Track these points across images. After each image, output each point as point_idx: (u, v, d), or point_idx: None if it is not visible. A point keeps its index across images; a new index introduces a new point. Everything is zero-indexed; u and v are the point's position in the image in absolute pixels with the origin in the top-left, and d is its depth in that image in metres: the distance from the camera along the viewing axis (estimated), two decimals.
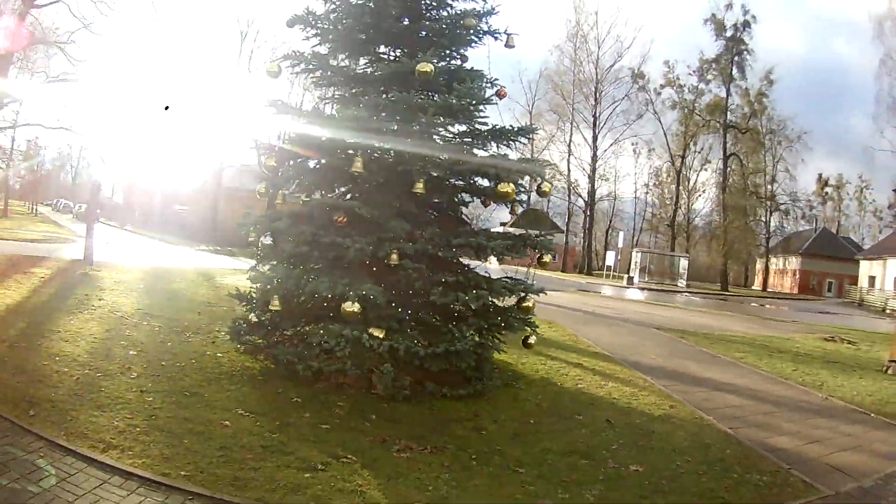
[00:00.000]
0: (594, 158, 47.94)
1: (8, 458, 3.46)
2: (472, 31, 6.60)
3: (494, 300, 6.26)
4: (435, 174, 6.15)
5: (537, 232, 6.80)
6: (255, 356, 6.45)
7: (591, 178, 48.33)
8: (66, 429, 3.94)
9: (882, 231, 63.72)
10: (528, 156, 6.13)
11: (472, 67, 6.92)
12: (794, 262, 52.35)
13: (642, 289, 33.98)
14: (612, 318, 15.24)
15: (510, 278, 6.56)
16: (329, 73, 6.73)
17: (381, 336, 5.49)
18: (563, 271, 45.50)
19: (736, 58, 44.16)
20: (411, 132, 5.94)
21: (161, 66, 36.68)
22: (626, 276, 39.55)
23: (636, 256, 41.66)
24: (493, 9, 6.62)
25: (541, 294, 6.58)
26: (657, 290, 33.60)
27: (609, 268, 43.38)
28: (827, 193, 68.53)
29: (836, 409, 7.09)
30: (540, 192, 6.75)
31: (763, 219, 47.33)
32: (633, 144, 51.66)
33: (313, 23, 6.76)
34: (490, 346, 6.48)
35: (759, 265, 55.06)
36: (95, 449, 3.72)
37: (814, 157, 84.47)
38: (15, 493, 3.12)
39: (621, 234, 49.62)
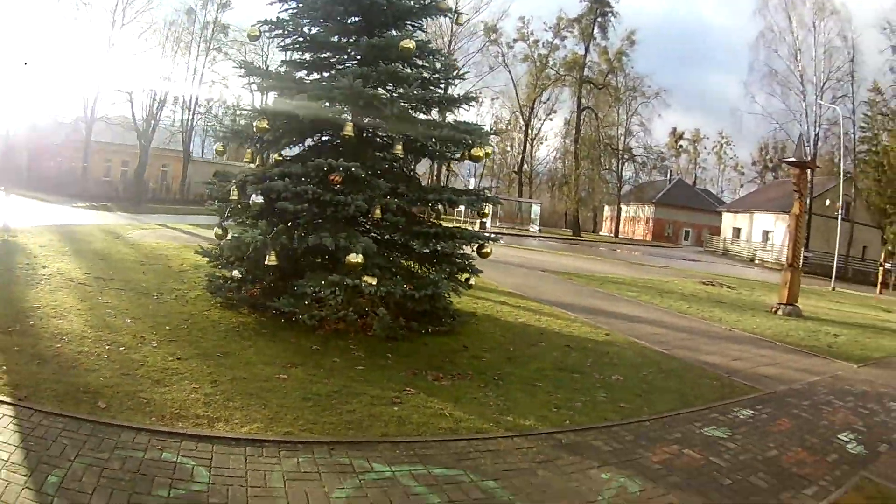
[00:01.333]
0: None
1: (136, 462, 3.20)
2: (431, 10, 7.32)
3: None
4: (412, 138, 6.88)
5: (488, 188, 7.87)
6: (238, 310, 6.86)
7: None
8: (152, 412, 3.87)
9: (743, 185, 73.81)
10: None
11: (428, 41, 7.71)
12: (647, 211, 57.84)
13: (497, 233, 36.66)
14: (494, 261, 17.06)
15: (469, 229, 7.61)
16: (306, 41, 7.07)
17: (374, 283, 6.21)
18: None
19: (599, 18, 47.27)
20: (393, 100, 6.61)
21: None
22: (477, 221, 42.16)
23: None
24: None
25: (496, 242, 7.67)
26: (512, 234, 35.58)
27: (460, 213, 46.02)
28: (681, 147, 77.23)
29: (743, 338, 9.07)
30: (472, 157, 7.61)
31: (615, 169, 52.48)
32: (484, 96, 53.76)
33: None
34: (456, 288, 7.46)
35: (608, 212, 60.41)
36: (201, 426, 3.75)
37: (671, 112, 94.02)
38: (191, 499, 2.96)
39: (472, 180, 52.68)
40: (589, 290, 12.89)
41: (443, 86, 7.19)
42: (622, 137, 51.22)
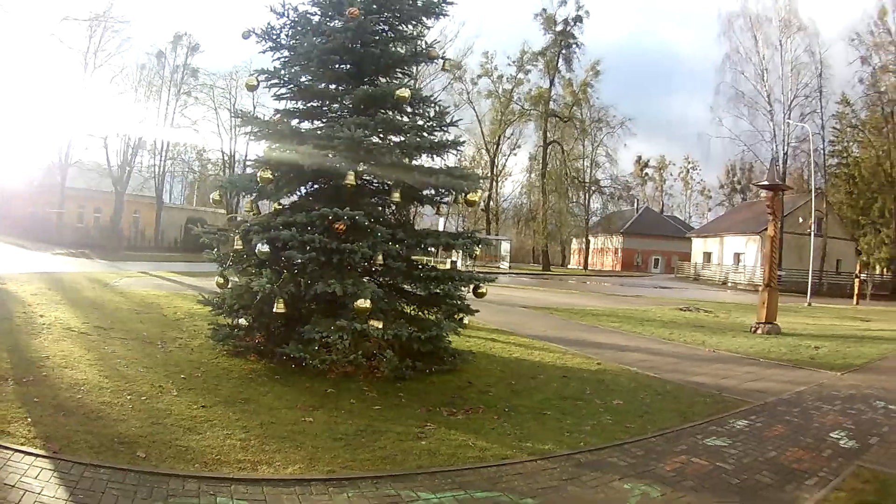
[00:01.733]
0: None
1: None
2: (422, 57, 7.92)
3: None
4: (409, 184, 7.36)
5: (476, 231, 8.39)
6: (244, 357, 7.10)
7: None
8: (193, 459, 4.04)
9: (711, 209, 76.26)
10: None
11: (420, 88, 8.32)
12: (615, 241, 59.44)
13: (469, 272, 37.30)
14: (471, 298, 17.54)
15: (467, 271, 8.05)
16: (300, 90, 7.56)
17: (380, 327, 6.55)
18: None
19: (563, 51, 48.86)
20: (391, 148, 7.10)
21: None
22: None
23: None
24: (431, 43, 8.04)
25: (492, 282, 8.14)
26: (484, 272, 36.76)
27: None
28: (647, 174, 79.93)
29: (727, 358, 9.63)
30: (468, 202, 8.09)
31: (582, 201, 53.84)
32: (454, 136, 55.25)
33: (272, 37, 7.59)
34: (455, 328, 7.82)
35: (576, 245, 61.64)
36: (245, 469, 3.95)
37: (636, 141, 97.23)
38: None
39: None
40: (572, 323, 13.40)
41: (437, 132, 7.68)
42: (589, 169, 52.82)
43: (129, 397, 5.25)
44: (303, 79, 7.58)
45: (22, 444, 3.93)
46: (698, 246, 48.06)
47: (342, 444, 4.54)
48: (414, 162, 7.74)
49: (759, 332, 12.71)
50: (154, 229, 37.47)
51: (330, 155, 6.75)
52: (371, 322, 6.48)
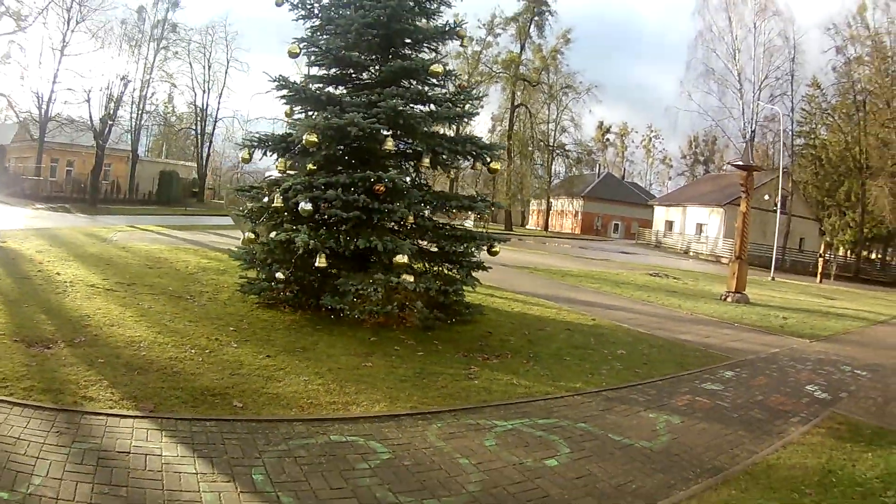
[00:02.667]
0: None
1: (318, 448, 3.77)
2: (450, 34, 8.57)
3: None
4: (438, 151, 8.15)
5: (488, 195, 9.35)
6: (278, 309, 7.87)
7: None
8: (289, 405, 4.53)
9: (672, 178, 79.10)
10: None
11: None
12: (576, 204, 61.13)
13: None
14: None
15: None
16: (335, 58, 8.16)
17: (412, 280, 7.45)
18: None
19: (536, 17, 50.31)
20: (424, 118, 7.83)
21: None
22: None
23: None
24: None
25: (504, 242, 9.15)
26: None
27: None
28: (608, 140, 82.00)
29: (705, 321, 11.02)
30: (491, 170, 8.95)
31: (546, 164, 55.99)
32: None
33: (306, 6, 8.23)
34: (473, 283, 8.77)
35: (534, 206, 63.79)
36: (339, 410, 4.51)
37: (601, 107, 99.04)
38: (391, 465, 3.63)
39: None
40: (555, 282, 14.66)
41: (461, 104, 8.45)
42: (554, 133, 54.66)
43: (192, 351, 5.64)
44: (339, 47, 8.12)
45: (112, 408, 4.08)
46: (660, 214, 50.11)
47: (409, 384, 5.38)
48: (442, 131, 8.55)
49: (728, 300, 14.26)
50: (128, 182, 38.13)
51: (372, 121, 7.40)
52: (404, 276, 7.38)
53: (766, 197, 33.09)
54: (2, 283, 7.84)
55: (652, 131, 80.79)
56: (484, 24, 50.45)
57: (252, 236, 8.42)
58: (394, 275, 7.29)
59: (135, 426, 3.83)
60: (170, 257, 11.38)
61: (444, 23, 8.54)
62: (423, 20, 8.67)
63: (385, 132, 7.66)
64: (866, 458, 4.34)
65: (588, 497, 3.50)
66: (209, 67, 46.30)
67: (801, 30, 43.58)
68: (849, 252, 39.82)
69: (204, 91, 46.91)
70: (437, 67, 7.86)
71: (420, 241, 8.32)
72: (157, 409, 4.15)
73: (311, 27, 8.59)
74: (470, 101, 8.52)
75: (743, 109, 39.92)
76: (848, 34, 38.48)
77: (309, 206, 7.36)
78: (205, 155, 49.23)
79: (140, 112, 39.82)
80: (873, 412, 5.85)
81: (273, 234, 7.72)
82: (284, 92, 8.25)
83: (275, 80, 8.10)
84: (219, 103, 51.38)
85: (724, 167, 55.68)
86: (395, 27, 8.14)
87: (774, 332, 10.39)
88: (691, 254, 40.99)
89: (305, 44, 8.13)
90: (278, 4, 8.36)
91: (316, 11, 8.44)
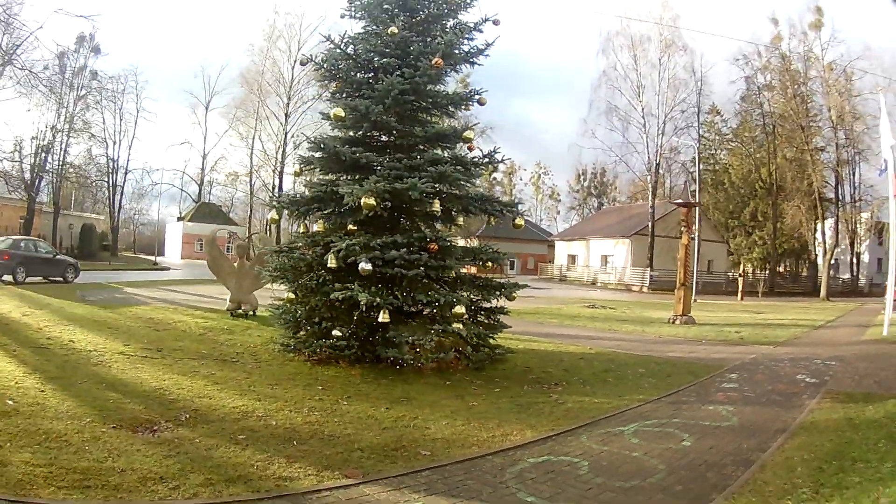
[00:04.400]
0: (283, 154, 53.52)
1: (534, 471, 5.51)
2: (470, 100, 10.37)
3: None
4: (471, 210, 9.86)
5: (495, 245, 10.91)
6: (333, 364, 8.91)
7: (280, 173, 52.90)
8: (468, 446, 5.47)
9: (560, 213, 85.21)
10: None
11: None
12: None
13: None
14: None
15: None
16: (363, 123, 9.62)
17: (463, 328, 9.06)
18: None
19: None
20: (463, 179, 9.51)
21: None
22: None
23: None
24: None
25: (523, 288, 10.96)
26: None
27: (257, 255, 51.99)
28: (495, 179, 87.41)
29: (675, 341, 13.55)
30: (516, 226, 10.73)
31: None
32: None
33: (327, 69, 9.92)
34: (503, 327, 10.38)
35: None
36: (503, 441, 5.56)
37: (487, 144, 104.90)
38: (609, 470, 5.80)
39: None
40: (523, 320, 16.54)
41: (484, 165, 10.19)
42: None
43: (315, 413, 6.30)
44: (376, 111, 9.47)
45: (322, 482, 4.53)
46: (562, 248, 54.76)
47: (523, 414, 6.82)
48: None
49: (677, 322, 17.07)
50: (51, 237, 38.15)
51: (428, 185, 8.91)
52: (455, 325, 8.96)
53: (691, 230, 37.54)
54: (26, 357, 7.91)
55: (541, 168, 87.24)
56: None
57: (293, 296, 9.39)
58: (447, 324, 8.84)
59: (360, 492, 4.39)
60: (162, 318, 11.80)
61: (469, 90, 10.28)
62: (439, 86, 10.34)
63: (428, 195, 9.23)
64: (868, 409, 6.74)
65: (730, 455, 5.42)
66: (121, 118, 49.01)
67: (708, 63, 50.35)
68: (758, 269, 45.69)
69: (115, 142, 49.94)
70: (470, 133, 9.65)
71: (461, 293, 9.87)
72: (367, 474, 4.72)
73: (337, 88, 10.05)
74: (493, 164, 10.31)
75: (647, 144, 45.53)
76: (760, 64, 45.35)
77: (369, 266, 8.58)
78: (116, 207, 51.95)
79: (62, 164, 40.38)
80: (855, 386, 8.51)
81: (337, 294, 8.89)
82: (318, 154, 9.56)
83: (312, 142, 9.49)
84: (129, 155, 53.61)
85: (630, 202, 61.64)
86: (422, 91, 9.77)
87: (740, 344, 13.15)
88: (599, 284, 45.22)
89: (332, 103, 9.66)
90: (303, 64, 9.80)
91: (335, 73, 9.92)
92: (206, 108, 59.56)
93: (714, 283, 43.40)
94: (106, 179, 51.99)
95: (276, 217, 9.86)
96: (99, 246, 42.52)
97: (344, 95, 10.04)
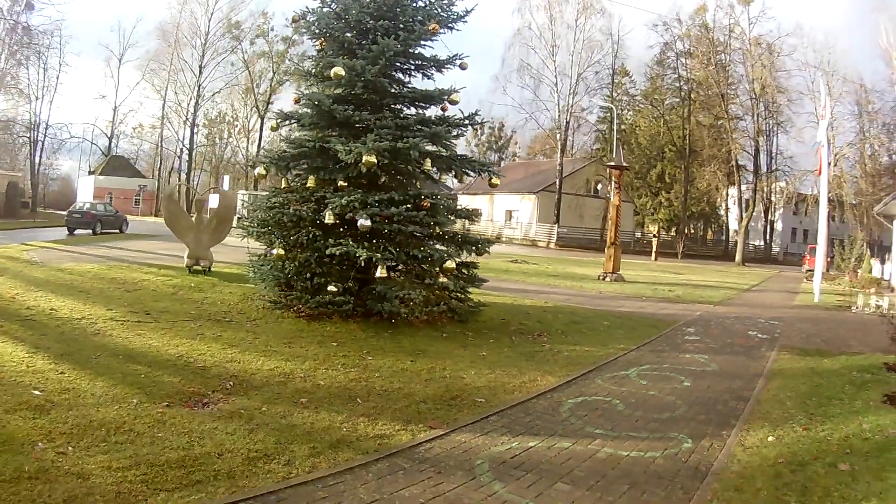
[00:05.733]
0: (196, 106, 57.79)
1: (582, 407, 6.81)
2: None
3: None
4: (456, 168, 10.69)
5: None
6: (328, 319, 9.44)
7: (192, 124, 58.20)
8: (509, 390, 7.07)
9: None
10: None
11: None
12: None
13: None
14: None
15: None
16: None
17: (451, 284, 10.04)
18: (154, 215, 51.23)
19: None
20: (451, 138, 10.35)
21: None
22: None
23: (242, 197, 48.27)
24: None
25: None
26: None
27: (211, 210, 51.89)
28: None
29: (617, 296, 15.36)
30: (491, 184, 11.65)
31: None
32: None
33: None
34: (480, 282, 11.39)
35: None
36: (540, 385, 7.30)
37: None
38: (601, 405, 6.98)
39: (226, 177, 55.73)
40: None
41: (463, 127, 10.99)
42: None
43: (352, 370, 6.93)
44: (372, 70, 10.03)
45: (417, 435, 5.11)
46: (465, 203, 56.36)
47: (533, 362, 8.00)
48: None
49: (607, 279, 19.01)
50: None
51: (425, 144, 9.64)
52: (442, 279, 9.93)
53: (600, 186, 40.20)
54: (16, 332, 7.38)
55: None
56: (291, 23, 53.89)
57: (283, 252, 9.84)
58: (434, 279, 9.79)
59: (456, 440, 5.04)
60: (125, 277, 11.62)
61: (453, 54, 10.93)
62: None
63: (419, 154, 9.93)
64: (825, 362, 8.53)
65: (726, 393, 6.92)
66: (45, 72, 49.38)
67: (627, 27, 53.41)
68: (663, 230, 49.67)
69: (38, 98, 50.99)
70: (457, 96, 10.39)
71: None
72: (450, 424, 5.40)
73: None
74: (473, 125, 11.14)
75: (558, 102, 47.82)
76: (680, 31, 48.69)
77: (368, 223, 9.20)
78: (37, 163, 52.83)
79: None
80: (805, 343, 10.41)
81: (333, 250, 9.46)
82: (307, 110, 9.98)
83: (301, 97, 9.97)
84: (50, 111, 54.48)
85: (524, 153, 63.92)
86: (410, 54, 10.39)
87: (680, 302, 15.21)
88: (504, 239, 47.20)
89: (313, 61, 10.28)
90: (294, 21, 10.56)
91: (323, 31, 10.34)
92: (120, 62, 59.82)
93: (623, 243, 46.70)
94: (28, 135, 53.17)
95: (263, 172, 10.14)
96: (19, 203, 42.81)
97: (330, 54, 10.42)
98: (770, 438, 5.39)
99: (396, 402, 5.94)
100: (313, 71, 11.01)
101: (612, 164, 20.46)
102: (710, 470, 4.73)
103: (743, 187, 48.74)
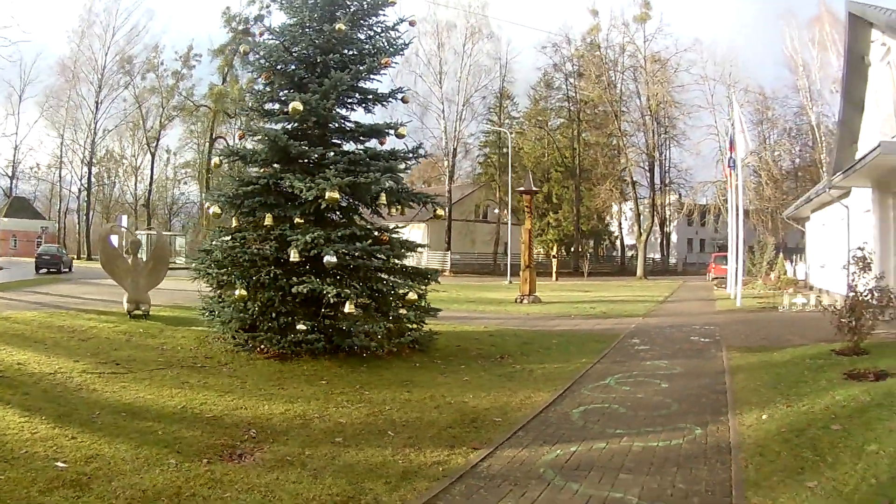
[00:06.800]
0: (93, 144, 57.35)
1: (596, 405, 7.71)
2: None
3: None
4: (404, 201, 11.29)
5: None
6: (299, 358, 9.57)
7: (90, 163, 58.48)
8: (520, 407, 8.03)
9: None
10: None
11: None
12: None
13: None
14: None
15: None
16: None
17: (410, 314, 10.64)
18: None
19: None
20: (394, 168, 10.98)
21: None
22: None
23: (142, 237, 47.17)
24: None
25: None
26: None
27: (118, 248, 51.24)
28: None
29: (545, 317, 16.52)
30: (436, 216, 12.38)
31: None
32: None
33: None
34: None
35: None
36: (532, 399, 8.24)
37: None
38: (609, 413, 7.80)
39: (123, 217, 55.36)
40: None
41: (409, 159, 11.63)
42: None
43: (364, 407, 7.20)
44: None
45: (469, 459, 5.45)
46: None
47: (516, 382, 8.63)
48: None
49: (525, 301, 20.26)
50: None
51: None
52: (402, 311, 10.52)
53: (495, 210, 41.81)
54: None
55: None
56: (180, 57, 58.56)
57: (245, 293, 9.88)
58: (395, 311, 10.37)
59: (505, 456, 5.58)
60: (71, 325, 11.14)
61: (396, 88, 11.64)
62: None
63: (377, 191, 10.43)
64: (774, 356, 9.96)
65: (703, 389, 8.05)
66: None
67: (515, 49, 56.12)
68: (552, 250, 52.22)
69: None
70: (403, 130, 11.08)
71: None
72: (484, 444, 5.94)
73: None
74: (417, 158, 11.81)
75: (445, 128, 49.92)
76: (570, 52, 52.21)
77: (335, 259, 9.46)
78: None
79: None
80: (747, 342, 11.91)
81: (301, 288, 9.63)
82: (261, 147, 10.25)
83: (249, 132, 10.30)
84: None
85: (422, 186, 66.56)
86: (358, 87, 11.02)
87: (609, 317, 16.69)
88: None
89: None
90: (245, 54, 11.08)
91: (267, 65, 10.71)
92: (21, 98, 58.89)
93: (513, 265, 48.84)
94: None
95: (218, 211, 10.22)
96: None
97: (276, 87, 10.84)
98: (764, 417, 6.51)
99: (426, 431, 6.38)
100: (252, 105, 11.44)
101: (522, 189, 21.90)
102: (731, 445, 5.73)
103: (638, 201, 52.63)
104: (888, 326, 9.21)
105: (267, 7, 58.55)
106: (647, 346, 11.57)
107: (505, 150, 53.65)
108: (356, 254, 9.98)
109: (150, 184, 62.40)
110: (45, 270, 31.80)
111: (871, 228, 14.76)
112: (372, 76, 11.21)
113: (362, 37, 11.28)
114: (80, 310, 13.39)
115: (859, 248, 9.01)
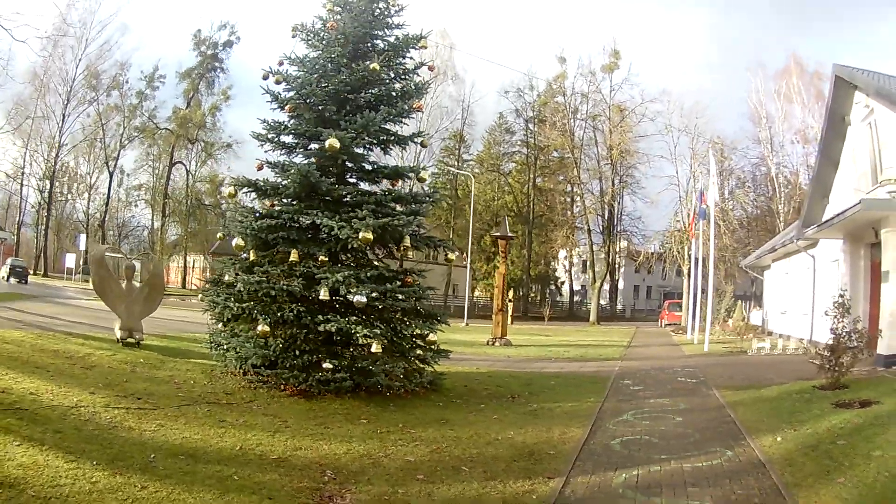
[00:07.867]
0: (56, 157, 59.54)
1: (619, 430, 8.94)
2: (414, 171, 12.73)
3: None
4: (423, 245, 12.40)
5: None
6: (321, 397, 10.34)
7: (52, 177, 59.90)
8: (553, 443, 9.31)
9: None
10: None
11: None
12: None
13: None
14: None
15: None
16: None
17: (425, 354, 11.73)
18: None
19: (208, 73, 61.79)
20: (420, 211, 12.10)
21: None
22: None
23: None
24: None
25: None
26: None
27: (70, 270, 53.65)
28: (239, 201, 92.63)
29: (528, 360, 17.89)
30: (448, 260, 13.49)
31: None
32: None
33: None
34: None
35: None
36: (565, 434, 9.46)
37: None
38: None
39: (82, 236, 56.02)
40: None
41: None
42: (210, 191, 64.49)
43: (420, 446, 7.65)
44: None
45: (546, 488, 6.21)
46: None
47: (542, 419, 9.72)
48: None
49: (497, 344, 21.67)
50: None
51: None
52: (419, 352, 11.58)
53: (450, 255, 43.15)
54: (21, 429, 6.38)
55: None
56: (145, 77, 61.05)
57: (267, 329, 10.25)
58: (412, 351, 11.41)
59: (580, 483, 6.57)
60: (66, 350, 10.97)
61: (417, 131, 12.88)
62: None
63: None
64: (763, 392, 11.69)
65: (713, 421, 9.57)
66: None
67: (479, 93, 59.60)
68: (510, 294, 53.79)
69: None
70: (425, 174, 12.32)
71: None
72: (556, 475, 6.78)
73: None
74: (433, 202, 12.95)
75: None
76: (532, 98, 55.34)
77: (364, 299, 10.27)
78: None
79: None
80: (731, 382, 13.57)
81: (327, 326, 10.32)
82: (289, 180, 11.03)
83: (270, 164, 11.33)
84: None
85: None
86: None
87: (589, 360, 18.35)
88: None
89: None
90: (277, 82, 11.48)
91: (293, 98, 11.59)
92: None
93: (461, 308, 49.33)
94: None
95: (242, 244, 10.72)
96: None
97: (304, 121, 11.59)
98: (778, 439, 8.13)
99: (496, 465, 7.09)
100: (268, 135, 11.73)
101: (498, 234, 23.44)
102: (762, 461, 7.25)
103: (586, 248, 55.43)
104: (860, 364, 11.03)
105: (235, 34, 63.10)
106: (640, 387, 13.12)
107: (459, 192, 55.56)
108: (386, 294, 10.85)
109: (107, 204, 63.68)
110: (15, 281, 40.11)
111: (840, 277, 16.68)
112: (401, 119, 12.06)
113: (389, 77, 12.22)
114: (66, 333, 13.25)
115: (840, 295, 10.76)
